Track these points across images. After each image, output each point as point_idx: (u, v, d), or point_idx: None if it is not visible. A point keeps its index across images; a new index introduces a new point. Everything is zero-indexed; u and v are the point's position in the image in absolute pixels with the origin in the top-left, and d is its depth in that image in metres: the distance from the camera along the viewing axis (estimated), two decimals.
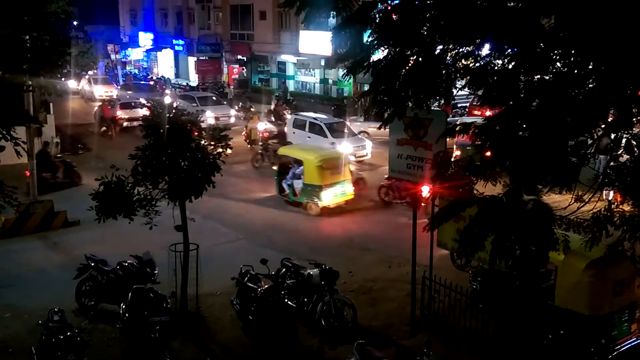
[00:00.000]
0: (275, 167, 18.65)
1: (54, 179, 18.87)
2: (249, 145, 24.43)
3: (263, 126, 25.17)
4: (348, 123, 25.07)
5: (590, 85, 6.06)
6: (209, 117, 28.38)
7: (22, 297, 11.40)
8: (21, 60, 10.12)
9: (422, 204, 12.48)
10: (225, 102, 33.16)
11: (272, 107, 31.97)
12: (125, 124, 28.04)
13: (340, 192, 16.76)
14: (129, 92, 36.21)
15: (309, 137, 23.26)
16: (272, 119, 29.21)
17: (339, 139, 22.26)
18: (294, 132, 24.47)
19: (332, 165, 16.83)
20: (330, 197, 16.48)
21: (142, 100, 28.04)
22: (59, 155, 20.82)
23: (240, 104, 34.01)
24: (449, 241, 9.95)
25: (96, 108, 31.00)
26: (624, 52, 5.55)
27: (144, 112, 27.85)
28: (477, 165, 6.71)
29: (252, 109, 30.65)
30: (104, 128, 28.04)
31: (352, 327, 10.03)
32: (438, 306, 10.23)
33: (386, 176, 17.09)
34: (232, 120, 30.34)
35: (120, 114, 28.43)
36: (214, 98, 33.00)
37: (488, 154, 6.66)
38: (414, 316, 10.29)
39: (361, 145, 22.76)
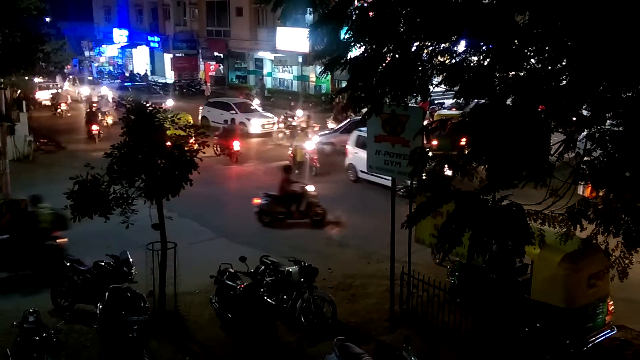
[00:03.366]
0: None
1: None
2: (296, 170, 19.49)
3: (312, 145, 20.60)
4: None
5: (564, 82, 6.15)
6: (255, 125, 27.26)
7: None
8: None
9: (234, 155, 21.94)
10: (261, 109, 30.01)
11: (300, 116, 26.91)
12: (43, 102, 34.99)
13: None
14: (126, 93, 35.48)
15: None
16: (331, 126, 25.23)
17: None
18: (355, 153, 18.88)
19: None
20: None
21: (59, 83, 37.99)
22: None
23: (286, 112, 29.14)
24: (427, 237, 10.01)
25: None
26: (597, 49, 5.63)
27: (54, 91, 34.81)
28: (454, 161, 6.77)
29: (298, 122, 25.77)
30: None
31: (332, 323, 10.05)
32: (417, 301, 10.30)
33: (216, 135, 22.75)
34: (275, 127, 27.86)
35: (38, 95, 35.12)
36: (252, 105, 30.19)
37: (463, 143, 6.74)
38: (393, 312, 10.35)
39: None
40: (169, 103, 30.48)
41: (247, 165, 22.72)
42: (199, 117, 28.86)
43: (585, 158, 6.56)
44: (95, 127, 25.92)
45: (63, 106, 33.26)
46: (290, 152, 21.48)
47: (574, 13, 5.60)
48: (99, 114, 27.53)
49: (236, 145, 22.56)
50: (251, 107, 29.43)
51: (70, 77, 41.79)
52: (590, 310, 9.06)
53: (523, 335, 9.18)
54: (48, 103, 34.56)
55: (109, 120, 28.19)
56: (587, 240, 7.36)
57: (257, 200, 15.85)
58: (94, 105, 28.49)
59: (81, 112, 28.54)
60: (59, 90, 35.69)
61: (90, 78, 44.39)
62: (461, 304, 9.79)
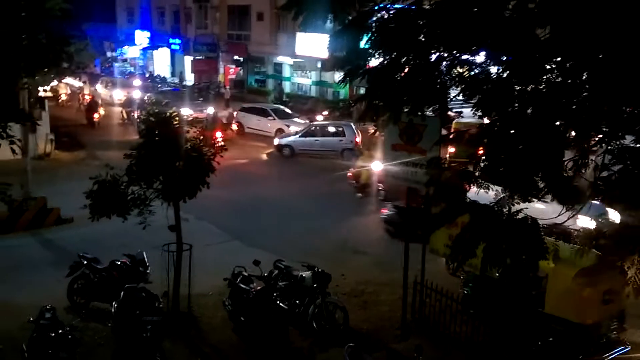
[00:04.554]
0: None
1: None
2: (358, 194, 18.18)
3: (380, 165, 16.94)
4: None
5: (584, 94, 6.13)
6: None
7: (14, 294, 11.37)
8: (17, 58, 10.11)
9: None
10: (294, 114, 29.59)
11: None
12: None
13: None
14: (165, 100, 35.19)
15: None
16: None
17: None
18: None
19: None
20: None
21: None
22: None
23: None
24: (441, 247, 9.97)
25: None
26: (618, 64, 5.61)
27: (54, 82, 34.02)
28: (469, 173, 6.78)
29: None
30: None
31: (344, 330, 10.06)
32: (429, 311, 10.27)
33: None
34: None
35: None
36: (287, 111, 29.83)
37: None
38: (405, 320, 10.33)
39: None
40: (210, 110, 29.77)
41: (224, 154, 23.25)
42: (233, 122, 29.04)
43: (604, 173, 6.53)
44: (96, 115, 30.42)
45: (63, 96, 35.54)
46: (350, 172, 18.74)
47: (595, 29, 5.58)
48: (97, 105, 31.53)
49: (218, 135, 23.12)
50: (287, 113, 29.37)
51: (103, 79, 41.75)
52: (605, 326, 8.97)
53: (536, 348, 9.12)
54: (49, 94, 35.84)
55: (101, 111, 31.73)
56: (602, 255, 7.31)
57: (384, 211, 15.68)
58: (92, 97, 32.95)
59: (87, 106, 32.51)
60: (59, 82, 36.82)
61: (140, 84, 43.44)
62: (474, 315, 9.75)
